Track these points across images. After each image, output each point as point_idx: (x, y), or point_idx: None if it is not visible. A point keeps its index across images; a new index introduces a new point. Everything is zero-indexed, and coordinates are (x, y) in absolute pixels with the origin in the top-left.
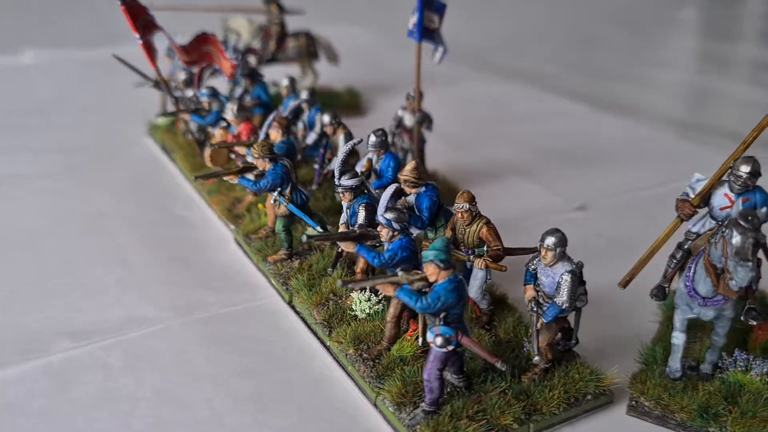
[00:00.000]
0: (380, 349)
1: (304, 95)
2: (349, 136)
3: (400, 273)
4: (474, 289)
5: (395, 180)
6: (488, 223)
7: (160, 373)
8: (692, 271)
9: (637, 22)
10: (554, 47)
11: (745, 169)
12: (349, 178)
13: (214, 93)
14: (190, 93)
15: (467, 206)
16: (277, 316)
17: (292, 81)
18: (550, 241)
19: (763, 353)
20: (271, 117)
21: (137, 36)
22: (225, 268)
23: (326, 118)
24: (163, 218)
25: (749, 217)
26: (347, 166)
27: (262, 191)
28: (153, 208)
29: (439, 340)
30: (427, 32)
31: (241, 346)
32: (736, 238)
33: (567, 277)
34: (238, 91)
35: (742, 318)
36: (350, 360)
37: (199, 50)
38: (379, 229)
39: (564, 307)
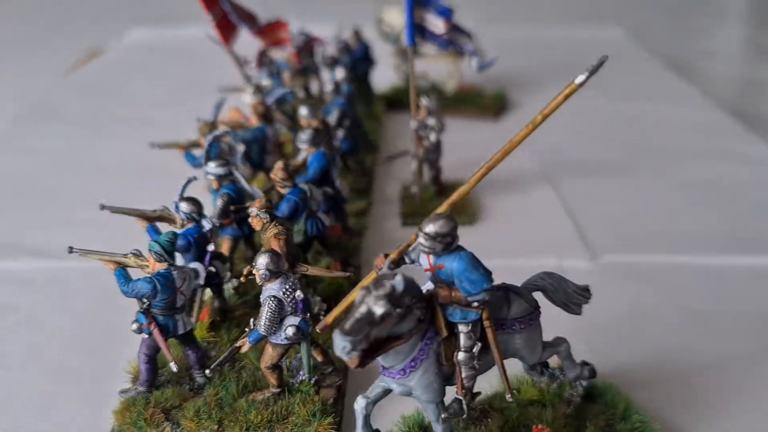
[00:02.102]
0: None
1: (327, 88)
2: (315, 132)
3: (130, 255)
4: None
5: (315, 178)
6: (278, 234)
7: (41, 299)
8: None
9: (683, 9)
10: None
11: (427, 227)
12: (216, 166)
13: (272, 74)
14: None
15: (255, 211)
16: None
17: (344, 74)
18: (258, 261)
19: None
20: (220, 101)
21: (210, 17)
22: None
23: (303, 111)
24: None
25: (380, 283)
26: (217, 156)
27: (198, 167)
28: None
29: (133, 326)
30: (425, 34)
31: (109, 301)
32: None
33: (267, 301)
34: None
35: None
36: None
37: (273, 35)
38: (175, 216)
39: (261, 331)
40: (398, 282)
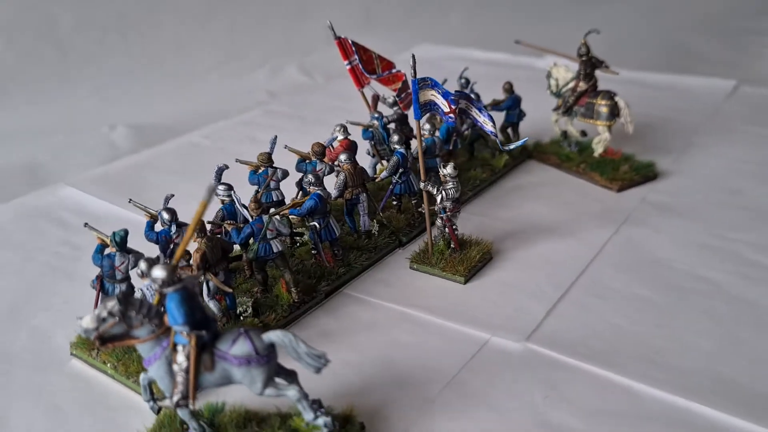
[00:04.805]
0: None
1: (394, 138)
2: (317, 178)
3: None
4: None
5: (303, 214)
6: (198, 248)
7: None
8: None
9: (730, 31)
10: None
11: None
12: (221, 189)
13: (380, 116)
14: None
15: None
16: None
17: (429, 127)
18: (139, 262)
19: None
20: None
21: (346, 63)
22: None
23: (342, 156)
24: None
25: (109, 299)
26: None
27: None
28: None
29: (90, 283)
30: (434, 109)
31: None
32: None
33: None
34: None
35: None
36: None
37: (392, 81)
38: None
39: None
40: (112, 304)
